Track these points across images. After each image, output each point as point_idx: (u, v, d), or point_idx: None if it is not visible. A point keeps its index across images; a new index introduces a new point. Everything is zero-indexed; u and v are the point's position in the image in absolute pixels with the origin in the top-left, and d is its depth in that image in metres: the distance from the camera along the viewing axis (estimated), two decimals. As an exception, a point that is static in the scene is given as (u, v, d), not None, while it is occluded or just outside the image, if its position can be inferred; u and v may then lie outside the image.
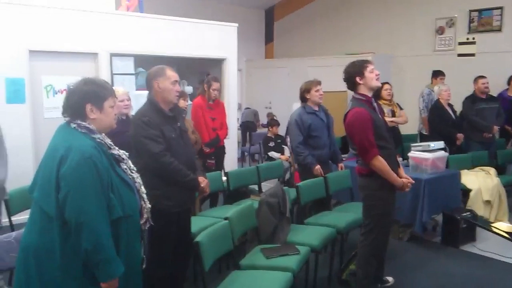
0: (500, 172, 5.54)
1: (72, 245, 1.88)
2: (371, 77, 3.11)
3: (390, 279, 3.55)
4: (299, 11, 10.28)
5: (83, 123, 2.00)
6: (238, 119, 7.89)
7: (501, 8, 7.37)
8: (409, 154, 4.63)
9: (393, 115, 5.48)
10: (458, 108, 6.13)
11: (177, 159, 2.84)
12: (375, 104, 3.22)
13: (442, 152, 4.64)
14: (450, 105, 5.92)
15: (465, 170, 5.20)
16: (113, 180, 1.97)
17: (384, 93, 5.45)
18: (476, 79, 6.05)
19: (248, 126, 8.88)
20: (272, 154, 6.58)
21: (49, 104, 5.03)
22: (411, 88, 7.57)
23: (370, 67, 3.12)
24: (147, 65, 5.30)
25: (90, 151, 1.91)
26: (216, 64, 6.48)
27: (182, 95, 4.22)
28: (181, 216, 2.97)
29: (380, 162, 3.01)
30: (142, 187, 2.18)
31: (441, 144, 4.70)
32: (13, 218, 3.24)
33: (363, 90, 3.13)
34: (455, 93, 5.99)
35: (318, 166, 4.25)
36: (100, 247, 1.86)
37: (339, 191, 4.44)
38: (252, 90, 10.01)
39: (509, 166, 6.23)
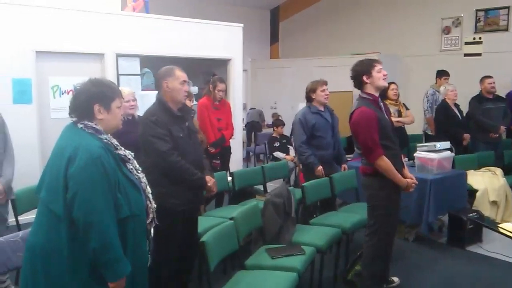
0: (507, 172, 5.49)
1: (80, 244, 1.89)
2: (379, 77, 3.11)
3: (396, 279, 3.54)
4: (304, 11, 10.28)
5: (90, 123, 2.01)
6: (243, 119, 7.89)
7: (507, 7, 7.33)
8: (415, 154, 4.60)
9: (399, 115, 5.46)
10: (465, 108, 6.10)
11: (185, 158, 2.86)
12: (381, 103, 3.22)
13: (448, 152, 4.62)
14: (457, 105, 5.89)
15: (472, 171, 5.18)
16: (120, 180, 1.98)
17: (390, 93, 5.42)
18: (482, 79, 6.02)
19: (253, 126, 8.87)
20: (277, 154, 6.58)
21: (56, 105, 5.05)
22: (417, 88, 7.52)
23: (378, 67, 3.12)
24: (153, 66, 5.34)
25: (98, 151, 1.92)
26: (222, 64, 6.49)
27: (187, 95, 4.22)
28: (187, 215, 2.98)
29: (384, 162, 3.01)
30: (148, 187, 2.19)
31: (447, 144, 4.67)
32: (20, 218, 3.27)
33: (369, 89, 3.13)
34: (461, 93, 5.96)
35: (320, 167, 4.24)
36: (108, 246, 1.86)
37: (345, 191, 4.43)
38: (258, 91, 10.01)
39: (516, 166, 6.19)
